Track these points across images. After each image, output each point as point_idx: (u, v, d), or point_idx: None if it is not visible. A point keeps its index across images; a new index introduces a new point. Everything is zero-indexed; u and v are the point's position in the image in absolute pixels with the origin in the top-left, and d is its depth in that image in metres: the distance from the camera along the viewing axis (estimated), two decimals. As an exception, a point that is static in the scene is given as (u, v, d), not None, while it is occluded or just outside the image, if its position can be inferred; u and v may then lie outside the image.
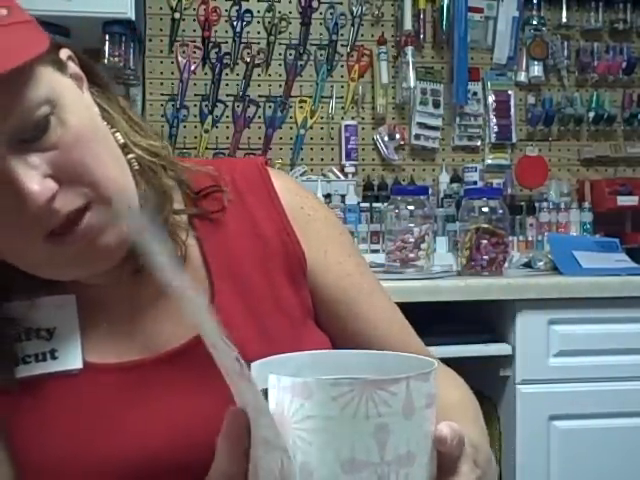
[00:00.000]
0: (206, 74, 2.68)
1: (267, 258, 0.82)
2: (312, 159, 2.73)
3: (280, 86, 2.71)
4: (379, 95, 2.73)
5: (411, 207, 2.12)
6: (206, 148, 2.66)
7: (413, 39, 2.71)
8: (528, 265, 2.31)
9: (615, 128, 2.88)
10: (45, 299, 0.77)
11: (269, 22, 2.71)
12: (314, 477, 0.51)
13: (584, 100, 2.84)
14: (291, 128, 2.72)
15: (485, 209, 2.14)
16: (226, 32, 2.69)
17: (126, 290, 0.77)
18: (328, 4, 2.73)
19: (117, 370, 0.76)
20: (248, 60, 2.69)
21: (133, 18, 2.24)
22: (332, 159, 2.73)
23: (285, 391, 0.51)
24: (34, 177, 0.64)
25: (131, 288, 0.77)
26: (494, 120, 2.81)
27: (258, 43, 2.70)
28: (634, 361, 1.97)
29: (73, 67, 0.73)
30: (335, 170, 2.68)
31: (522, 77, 2.82)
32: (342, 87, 2.75)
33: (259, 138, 2.70)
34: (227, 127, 2.69)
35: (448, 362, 0.91)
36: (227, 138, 2.68)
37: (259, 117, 2.70)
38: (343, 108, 2.74)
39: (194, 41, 2.67)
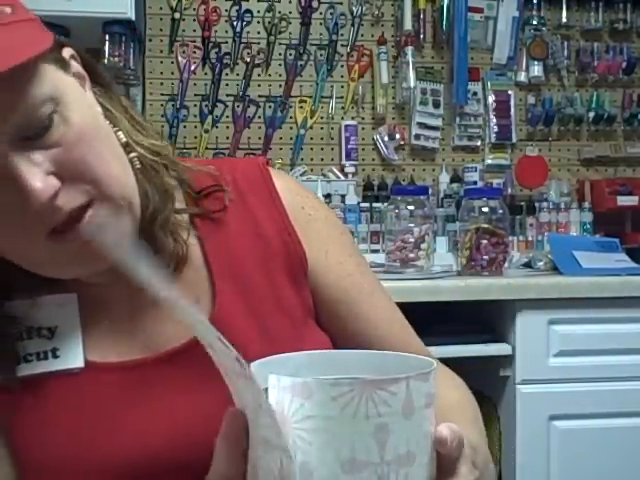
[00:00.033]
0: (206, 74, 2.68)
1: (268, 258, 0.82)
2: (312, 159, 2.73)
3: (280, 86, 2.71)
4: (379, 95, 2.73)
5: (411, 207, 2.12)
6: (206, 148, 2.66)
7: (413, 39, 2.71)
8: (528, 265, 2.31)
9: (615, 128, 2.88)
10: (46, 298, 0.77)
11: (269, 22, 2.71)
12: (314, 477, 0.51)
13: (584, 100, 2.84)
14: (291, 128, 2.72)
15: (485, 209, 2.14)
16: (226, 32, 2.69)
17: (127, 289, 0.77)
18: (328, 4, 2.73)
19: (118, 369, 0.76)
20: (248, 60, 2.69)
21: (133, 18, 2.24)
22: (332, 159, 2.73)
23: (285, 391, 0.51)
24: (37, 174, 0.64)
25: (132, 287, 0.77)
26: (494, 120, 2.81)
27: (258, 43, 2.70)
28: (634, 361, 1.97)
29: (76, 66, 0.74)
30: (335, 170, 2.68)
31: (522, 77, 2.82)
32: (342, 87, 2.75)
33: (259, 138, 2.70)
34: (227, 127, 2.69)
35: (448, 362, 0.91)
36: (227, 138, 2.68)
37: (259, 117, 2.70)
38: (343, 108, 2.74)
39: (194, 41, 2.67)
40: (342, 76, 2.75)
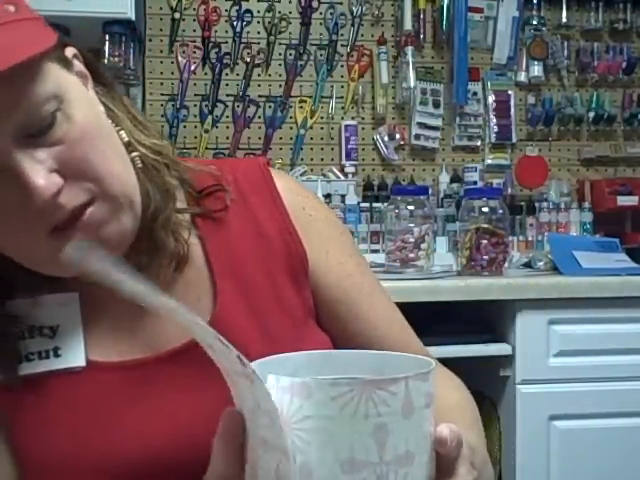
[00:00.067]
0: (206, 74, 2.68)
1: (269, 258, 0.82)
2: (312, 159, 2.73)
3: (280, 86, 2.71)
4: (379, 95, 2.73)
5: (411, 207, 2.12)
6: (206, 148, 2.66)
7: (413, 39, 2.71)
8: (528, 265, 2.30)
9: (615, 128, 2.88)
10: (48, 297, 0.77)
11: (269, 22, 2.71)
12: (313, 477, 0.51)
13: (584, 100, 2.84)
14: (291, 128, 2.72)
15: (485, 209, 2.14)
16: (226, 32, 2.69)
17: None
18: (328, 4, 2.73)
19: (119, 368, 0.76)
20: (248, 60, 2.69)
21: (133, 18, 2.24)
22: (332, 159, 2.73)
23: (284, 391, 0.51)
24: (40, 171, 0.65)
25: None
26: (494, 120, 2.81)
27: (258, 43, 2.70)
28: (634, 361, 1.97)
29: (78, 65, 0.74)
30: (335, 170, 2.68)
31: (522, 77, 2.82)
32: (342, 87, 2.75)
33: (259, 138, 2.70)
34: (227, 127, 2.69)
35: (448, 362, 0.91)
36: (227, 138, 2.68)
37: (259, 117, 2.70)
38: (343, 108, 2.74)
39: (194, 41, 2.67)
40: (342, 76, 2.75)
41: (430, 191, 2.45)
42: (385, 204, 2.36)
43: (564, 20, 2.82)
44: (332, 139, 2.73)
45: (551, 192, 2.70)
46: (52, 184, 0.65)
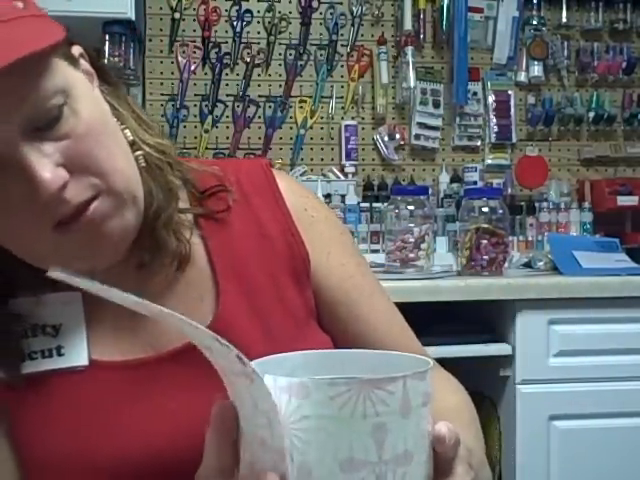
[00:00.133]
0: (206, 74, 2.68)
1: (272, 259, 0.82)
2: (312, 159, 2.73)
3: (280, 86, 2.71)
4: (379, 95, 2.73)
5: (411, 207, 2.12)
6: (206, 148, 2.66)
7: (413, 39, 2.71)
8: (528, 265, 2.30)
9: (615, 128, 2.88)
10: (51, 296, 0.77)
11: (269, 22, 2.71)
12: (312, 476, 0.51)
13: (584, 100, 2.84)
14: (291, 128, 2.72)
15: (485, 209, 2.14)
16: (226, 32, 2.69)
17: (130, 287, 0.77)
18: (328, 4, 2.73)
19: (122, 368, 0.76)
20: (248, 60, 2.69)
21: (133, 18, 2.25)
22: (332, 159, 2.73)
23: (282, 391, 0.51)
24: (46, 165, 0.65)
25: (135, 284, 0.77)
26: (494, 120, 2.81)
27: (258, 43, 2.71)
28: (634, 361, 1.97)
29: (84, 64, 0.74)
30: (335, 170, 2.68)
31: (522, 77, 2.82)
32: (342, 87, 2.75)
33: (259, 138, 2.70)
34: (227, 127, 2.69)
35: (448, 362, 0.91)
36: (227, 138, 2.68)
37: (259, 117, 2.70)
38: (343, 108, 2.74)
39: (194, 41, 2.67)
40: (342, 76, 2.75)
41: (430, 191, 2.45)
42: (385, 204, 2.36)
43: (564, 20, 2.82)
44: (332, 139, 2.73)
45: (551, 192, 2.70)
46: (58, 178, 0.65)
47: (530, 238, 2.62)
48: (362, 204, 2.58)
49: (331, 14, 2.74)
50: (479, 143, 2.81)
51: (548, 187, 2.73)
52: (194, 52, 2.67)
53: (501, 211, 2.14)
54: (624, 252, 2.29)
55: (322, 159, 2.73)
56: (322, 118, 2.73)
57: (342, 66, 2.75)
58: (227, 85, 2.69)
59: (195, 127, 2.67)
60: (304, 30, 2.72)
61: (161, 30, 2.67)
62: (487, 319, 2.02)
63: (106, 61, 2.31)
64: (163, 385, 0.76)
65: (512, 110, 2.82)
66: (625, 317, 1.97)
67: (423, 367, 0.54)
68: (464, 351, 1.90)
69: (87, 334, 0.77)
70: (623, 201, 2.67)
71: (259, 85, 2.71)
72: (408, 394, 0.52)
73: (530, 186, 2.79)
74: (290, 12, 2.72)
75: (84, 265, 0.73)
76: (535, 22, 2.81)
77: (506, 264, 2.15)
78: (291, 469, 0.51)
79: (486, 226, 2.11)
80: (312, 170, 2.70)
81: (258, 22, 2.71)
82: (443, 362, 0.89)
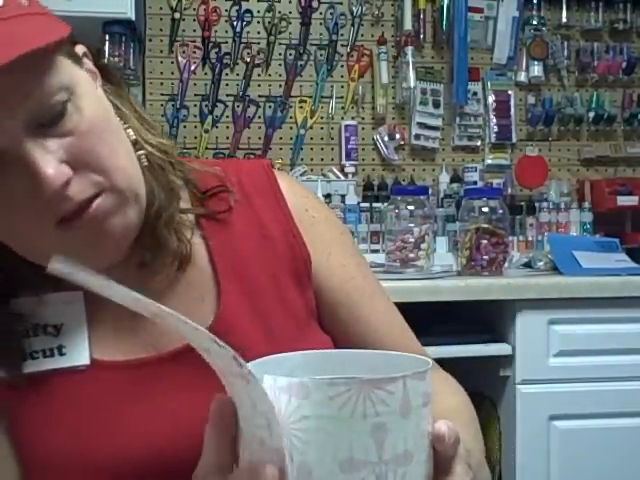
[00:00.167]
0: (206, 74, 2.68)
1: (273, 260, 0.83)
2: (312, 159, 2.73)
3: (280, 86, 2.71)
4: (379, 95, 2.73)
5: (411, 207, 2.12)
6: (206, 148, 2.66)
7: (413, 39, 2.71)
8: (528, 265, 2.30)
9: (615, 128, 2.88)
10: (53, 295, 0.77)
11: (269, 22, 2.71)
12: (312, 476, 0.51)
13: (584, 100, 2.84)
14: (291, 128, 2.72)
15: (485, 209, 2.14)
16: (226, 32, 2.69)
17: (131, 286, 0.77)
18: (328, 4, 2.73)
19: (123, 367, 0.76)
20: (248, 60, 2.69)
21: (133, 18, 2.25)
22: (332, 159, 2.73)
23: (282, 391, 0.51)
24: (50, 161, 0.65)
25: (136, 284, 0.77)
26: (494, 120, 2.81)
27: (258, 43, 2.70)
28: (634, 361, 1.97)
29: (88, 63, 0.75)
30: (335, 170, 2.68)
31: (522, 77, 2.82)
32: (342, 87, 2.75)
33: (259, 138, 2.70)
34: (227, 127, 2.69)
35: (448, 362, 0.91)
36: (227, 138, 2.68)
37: (259, 117, 2.70)
38: (343, 108, 2.74)
39: (194, 41, 2.67)
40: (342, 76, 2.75)
41: (430, 191, 2.45)
42: (385, 204, 2.36)
43: (564, 20, 2.82)
44: (332, 139, 2.73)
45: (551, 192, 2.70)
46: (61, 174, 0.65)
47: (530, 238, 2.62)
48: (362, 204, 2.58)
49: (331, 14, 2.74)
50: (479, 143, 2.81)
51: (548, 187, 2.73)
52: (194, 52, 2.67)
53: (501, 211, 2.14)
54: (624, 252, 2.29)
55: (322, 159, 2.73)
56: (322, 118, 2.73)
57: (342, 66, 2.75)
58: (227, 85, 2.69)
59: (195, 127, 2.67)
60: (304, 30, 2.72)
61: (161, 30, 2.67)
62: (487, 319, 2.02)
63: (106, 61, 2.30)
64: (164, 385, 0.76)
65: (512, 110, 2.82)
66: (625, 317, 1.97)
67: (423, 367, 0.54)
68: (464, 351, 1.90)
69: (88, 334, 0.77)
70: (623, 201, 2.67)
71: (259, 85, 2.71)
72: (408, 394, 0.52)
73: (530, 186, 2.79)
74: (290, 12, 2.72)
75: (86, 264, 0.73)
76: (535, 22, 2.81)
77: (506, 264, 2.15)
78: (291, 469, 0.51)
79: (486, 226, 2.11)
80: (312, 170, 2.70)
81: (258, 22, 2.71)
82: (443, 362, 0.89)
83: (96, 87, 0.74)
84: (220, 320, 0.77)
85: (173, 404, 0.75)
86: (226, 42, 2.69)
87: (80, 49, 0.74)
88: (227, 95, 2.69)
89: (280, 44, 2.71)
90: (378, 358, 0.61)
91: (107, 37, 2.30)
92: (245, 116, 2.69)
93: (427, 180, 2.75)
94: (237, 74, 2.69)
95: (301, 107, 2.72)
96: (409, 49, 2.69)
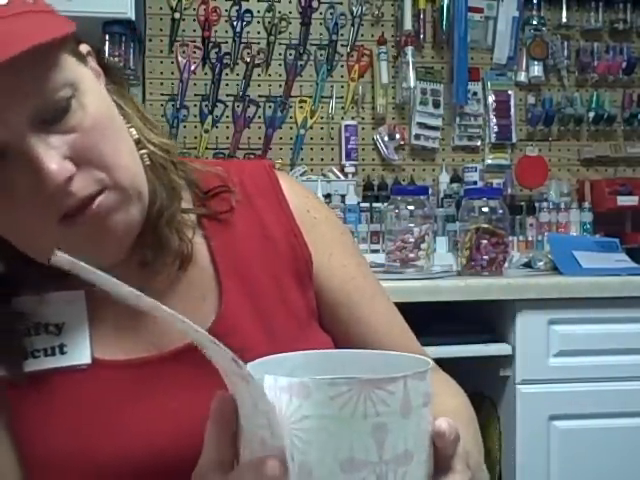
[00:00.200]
0: (206, 74, 2.68)
1: (275, 260, 0.83)
2: (312, 159, 2.73)
3: (280, 86, 2.71)
4: (379, 95, 2.73)
5: (411, 207, 2.12)
6: (206, 148, 2.66)
7: (413, 39, 2.71)
8: (528, 265, 2.30)
9: (615, 128, 2.88)
10: (54, 294, 0.77)
11: (269, 22, 2.71)
12: (313, 476, 0.51)
13: (584, 100, 2.84)
14: (291, 128, 2.72)
15: (485, 209, 2.14)
16: (226, 32, 2.69)
17: (132, 285, 0.77)
18: (328, 4, 2.73)
19: (124, 367, 0.76)
20: (248, 60, 2.69)
21: (133, 18, 2.25)
22: (332, 159, 2.73)
23: (282, 391, 0.51)
24: (54, 157, 0.65)
25: (137, 283, 0.77)
26: (494, 120, 2.81)
27: (258, 43, 2.71)
28: (634, 361, 1.97)
29: (92, 62, 0.75)
30: (335, 170, 2.68)
31: (522, 77, 2.82)
32: (342, 87, 2.75)
33: (259, 138, 2.70)
34: (227, 127, 2.69)
35: (448, 362, 0.91)
36: (227, 138, 2.68)
37: (259, 117, 2.70)
38: (343, 108, 2.74)
39: (194, 41, 2.67)
40: (342, 76, 2.75)
41: (430, 191, 2.45)
42: (385, 204, 2.36)
43: (564, 20, 2.82)
44: (332, 139, 2.73)
45: (551, 192, 2.70)
46: (65, 170, 0.66)
47: (530, 238, 2.62)
48: (362, 204, 2.58)
49: (331, 14, 2.74)
50: (479, 143, 2.81)
51: (548, 187, 2.73)
52: (194, 52, 2.67)
53: (501, 211, 2.14)
54: (624, 252, 2.29)
55: (322, 159, 2.73)
56: (322, 118, 2.73)
57: (342, 66, 2.75)
58: (227, 85, 2.69)
59: (195, 127, 2.67)
60: (304, 30, 2.72)
61: (161, 30, 2.67)
62: (487, 319, 2.02)
63: (106, 61, 2.30)
64: (165, 384, 0.76)
65: (512, 110, 2.82)
66: (625, 317, 1.98)
67: (423, 367, 0.54)
68: (464, 351, 1.90)
69: (90, 333, 0.77)
70: (623, 201, 2.67)
71: (259, 85, 2.71)
72: (409, 394, 0.52)
73: (530, 186, 2.80)
74: (290, 12, 2.72)
75: (88, 261, 0.73)
76: (535, 22, 2.81)
77: (506, 264, 2.15)
78: (291, 469, 0.51)
79: (486, 226, 2.11)
80: (312, 170, 2.70)
81: (258, 22, 2.71)
82: (443, 362, 0.89)
83: (100, 85, 0.74)
84: (221, 320, 0.77)
85: (174, 403, 0.75)
86: (226, 42, 2.69)
87: (84, 48, 0.75)
88: (227, 95, 2.69)
89: (280, 44, 2.71)
90: (378, 358, 0.61)
91: (107, 37, 2.31)
92: (245, 116, 2.69)
93: (427, 180, 2.75)
94: (237, 74, 2.69)
95: (301, 107, 2.72)
96: (409, 49, 2.69)
